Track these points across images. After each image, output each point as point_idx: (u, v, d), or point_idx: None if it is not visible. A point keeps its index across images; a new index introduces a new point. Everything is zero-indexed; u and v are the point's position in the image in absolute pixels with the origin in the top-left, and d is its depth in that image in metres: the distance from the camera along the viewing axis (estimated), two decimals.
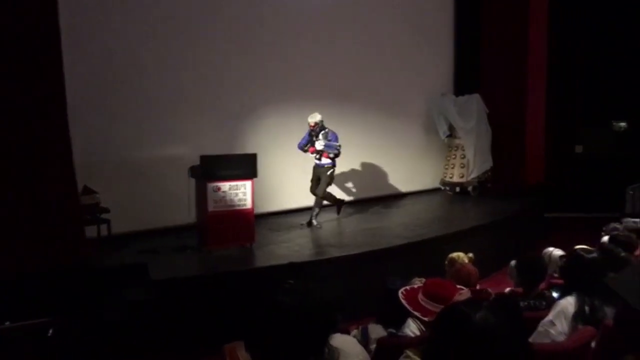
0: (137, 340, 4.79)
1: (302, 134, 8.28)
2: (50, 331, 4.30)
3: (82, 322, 4.47)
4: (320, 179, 7.82)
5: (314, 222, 7.93)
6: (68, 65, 5.76)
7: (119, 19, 7.09)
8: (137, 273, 5.04)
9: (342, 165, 9.16)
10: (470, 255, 4.76)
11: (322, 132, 7.65)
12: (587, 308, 3.10)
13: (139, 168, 7.25)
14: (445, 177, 10.71)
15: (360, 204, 9.29)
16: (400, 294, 3.30)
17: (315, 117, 7.63)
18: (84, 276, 5.03)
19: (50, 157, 5.55)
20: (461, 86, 11.14)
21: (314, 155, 7.76)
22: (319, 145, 7.63)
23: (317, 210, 7.98)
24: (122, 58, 7.12)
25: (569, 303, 3.18)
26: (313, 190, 7.89)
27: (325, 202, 8.12)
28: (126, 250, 6.47)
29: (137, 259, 6.00)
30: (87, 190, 6.35)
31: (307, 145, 7.74)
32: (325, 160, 7.75)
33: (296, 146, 7.87)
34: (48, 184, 5.51)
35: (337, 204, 8.34)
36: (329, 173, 7.81)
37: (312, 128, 7.64)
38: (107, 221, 6.43)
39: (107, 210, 6.46)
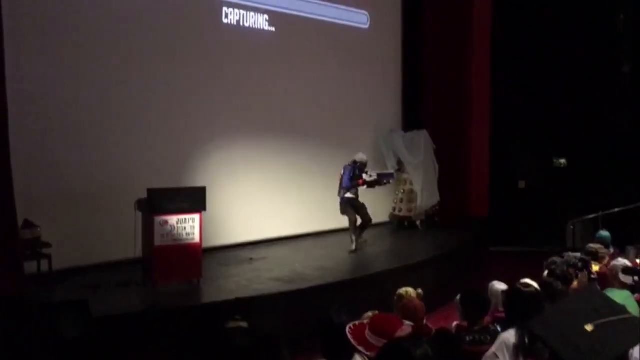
0: None
1: (251, 167, 8.34)
2: None
3: None
4: (359, 210, 8.45)
5: (360, 240, 8.59)
6: (10, 93, 5.63)
7: (63, 47, 6.96)
8: (76, 309, 4.86)
9: (295, 200, 9.19)
10: (419, 291, 4.79)
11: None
12: (527, 340, 3.18)
13: (83, 201, 7.04)
14: (393, 210, 10.84)
15: (309, 238, 9.29)
16: (347, 329, 3.29)
17: (364, 157, 8.58)
18: (18, 313, 4.82)
19: None
20: (409, 123, 11.41)
21: (353, 189, 8.38)
22: (370, 176, 8.52)
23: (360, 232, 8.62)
24: (65, 89, 6.97)
25: (510, 335, 3.25)
26: (366, 219, 8.52)
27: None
28: (67, 286, 6.22)
29: (78, 294, 5.79)
30: (28, 224, 6.12)
31: (354, 179, 8.38)
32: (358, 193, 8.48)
33: (245, 180, 7.79)
34: None
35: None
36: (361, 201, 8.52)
37: (362, 165, 8.49)
38: (48, 256, 6.19)
39: (48, 245, 6.23)
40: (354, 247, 8.43)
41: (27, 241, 5.98)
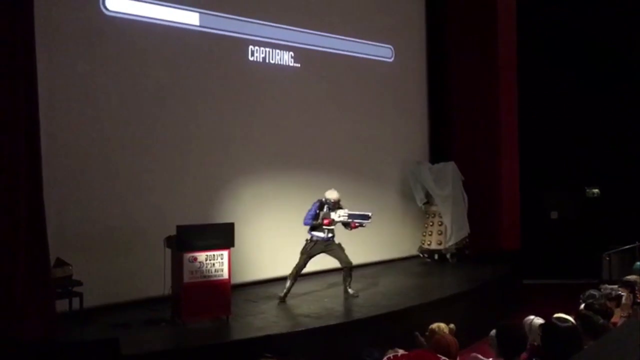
0: None
1: (278, 203, 8.31)
2: None
3: None
4: (332, 252, 7.62)
5: (350, 290, 7.71)
6: (44, 133, 5.76)
7: (96, 88, 7.14)
8: (107, 348, 4.86)
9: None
10: (452, 326, 4.70)
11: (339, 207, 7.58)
12: None
13: (113, 239, 7.11)
14: (423, 244, 10.71)
15: (338, 273, 9.18)
16: None
17: (334, 194, 7.60)
18: (51, 353, 4.84)
19: (22, 228, 5.43)
20: (436, 154, 11.37)
21: (323, 228, 7.50)
22: (339, 216, 7.45)
23: (350, 279, 7.73)
24: (98, 129, 7.13)
25: None
26: (302, 267, 7.57)
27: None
28: (98, 325, 6.25)
29: (109, 333, 5.80)
30: (60, 263, 6.19)
31: (317, 218, 7.50)
32: (330, 234, 7.56)
33: (273, 216, 7.81)
34: (20, 256, 5.36)
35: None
36: (338, 242, 7.66)
37: (331, 202, 7.52)
38: (80, 294, 6.24)
39: (79, 283, 6.29)
40: (282, 293, 7.49)
41: (58, 279, 6.03)
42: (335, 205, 7.60)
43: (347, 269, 7.73)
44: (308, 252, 7.59)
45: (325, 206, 7.58)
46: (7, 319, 5.18)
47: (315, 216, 7.54)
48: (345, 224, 7.62)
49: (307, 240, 7.65)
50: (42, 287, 5.61)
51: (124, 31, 7.40)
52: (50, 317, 5.62)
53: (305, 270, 8.90)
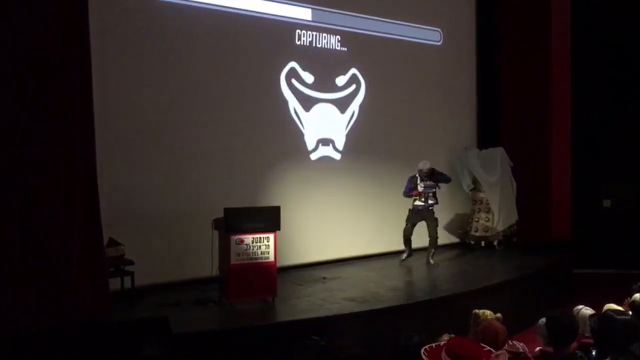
0: None
1: (324, 186, 8.35)
2: None
3: None
4: (425, 221, 8.59)
5: (432, 261, 8.61)
6: (97, 115, 5.91)
7: (145, 71, 7.27)
8: (158, 327, 5.00)
9: (368, 219, 9.16)
10: (498, 315, 4.62)
11: (432, 176, 8.51)
12: None
13: (163, 220, 7.28)
14: (469, 230, 10.58)
15: (383, 258, 9.21)
16: (423, 351, 3.21)
17: (423, 165, 8.53)
18: (104, 331, 5.01)
19: (77, 209, 5.61)
20: (484, 140, 11.17)
21: (417, 198, 8.54)
22: (421, 187, 8.48)
23: (433, 250, 8.70)
24: (147, 113, 7.26)
25: None
26: (409, 232, 8.63)
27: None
28: (148, 303, 6.44)
29: (159, 312, 5.97)
30: (112, 242, 6.37)
31: (411, 190, 8.55)
32: (430, 201, 8.53)
33: (319, 200, 7.89)
34: (75, 236, 5.55)
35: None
36: (435, 214, 8.62)
37: (424, 174, 8.48)
38: (131, 273, 6.43)
39: (131, 263, 6.46)
40: (403, 256, 8.69)
41: (111, 259, 6.22)
42: (427, 175, 8.45)
43: (430, 240, 8.66)
44: (410, 220, 8.65)
45: (417, 177, 8.49)
46: (63, 298, 5.38)
47: (412, 188, 8.53)
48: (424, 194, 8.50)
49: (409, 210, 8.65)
50: (96, 266, 5.80)
51: (163, 15, 7.44)
52: (103, 295, 5.82)
53: (350, 254, 8.99)
